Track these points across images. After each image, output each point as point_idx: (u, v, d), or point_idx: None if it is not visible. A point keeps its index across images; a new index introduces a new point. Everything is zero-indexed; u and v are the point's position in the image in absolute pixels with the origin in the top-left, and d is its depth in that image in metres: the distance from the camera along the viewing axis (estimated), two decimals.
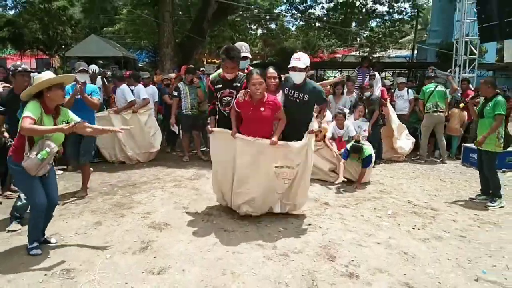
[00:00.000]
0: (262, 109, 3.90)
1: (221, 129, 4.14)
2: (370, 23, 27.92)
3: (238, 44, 4.50)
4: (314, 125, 4.11)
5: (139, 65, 26.07)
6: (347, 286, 2.88)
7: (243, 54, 4.34)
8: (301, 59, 4.03)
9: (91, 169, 5.42)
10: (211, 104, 4.34)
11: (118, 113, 6.65)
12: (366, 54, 29.39)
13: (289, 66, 4.09)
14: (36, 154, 3.14)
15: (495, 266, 3.23)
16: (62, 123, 3.26)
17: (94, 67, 7.29)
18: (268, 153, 3.87)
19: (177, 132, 7.93)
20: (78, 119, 3.41)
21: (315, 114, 4.33)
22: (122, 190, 5.29)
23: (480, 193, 5.24)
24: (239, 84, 4.16)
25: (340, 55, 33.35)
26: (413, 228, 4.06)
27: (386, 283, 2.90)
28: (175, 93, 7.17)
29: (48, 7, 26.14)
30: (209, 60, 29.62)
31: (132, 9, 21.50)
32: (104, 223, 4.06)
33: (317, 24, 28.17)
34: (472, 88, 8.78)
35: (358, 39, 30.73)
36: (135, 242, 3.58)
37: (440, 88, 7.43)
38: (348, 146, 5.74)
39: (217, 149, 4.20)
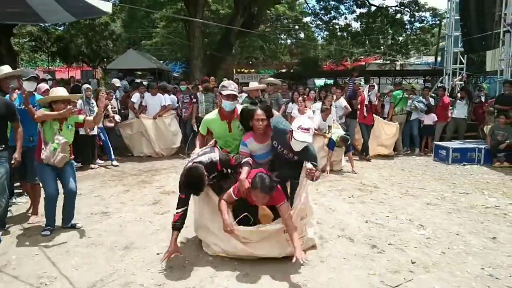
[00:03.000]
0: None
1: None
2: (392, 32, 28.89)
3: (227, 83, 3.95)
4: (308, 165, 3.57)
5: (174, 75, 27.98)
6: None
7: (229, 92, 3.76)
8: (310, 132, 3.47)
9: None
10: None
11: (155, 118, 8.55)
12: (388, 62, 30.49)
13: (294, 136, 3.43)
14: (49, 147, 3.99)
15: (387, 216, 4.72)
16: (68, 126, 4.19)
17: (86, 86, 7.78)
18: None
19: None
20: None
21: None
22: (146, 173, 7.10)
23: None
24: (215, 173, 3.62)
25: (364, 63, 34.40)
26: (349, 197, 5.58)
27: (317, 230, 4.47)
28: (194, 100, 8.96)
29: (92, 23, 28.88)
30: (238, 70, 31.29)
31: (167, 24, 23.89)
32: (131, 190, 5.87)
33: (339, 33, 29.38)
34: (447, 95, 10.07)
35: (382, 47, 31.76)
36: (150, 199, 5.36)
37: (406, 94, 8.88)
38: (334, 137, 7.16)
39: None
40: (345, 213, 4.85)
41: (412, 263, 3.46)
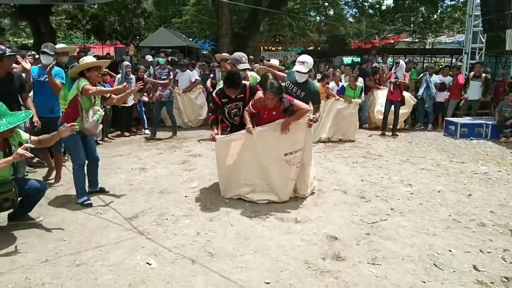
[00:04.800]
0: (274, 113, 4.18)
1: (224, 137, 4.39)
2: (423, 10, 28.49)
3: (238, 55, 4.91)
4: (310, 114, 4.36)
5: (203, 53, 28.71)
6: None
7: (242, 66, 4.78)
8: (305, 64, 4.41)
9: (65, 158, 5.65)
10: (213, 114, 4.55)
11: (185, 92, 9.44)
12: (417, 40, 30.18)
13: (293, 69, 4.62)
14: (93, 117, 4.12)
15: (382, 177, 5.45)
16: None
17: (126, 63, 8.67)
18: (279, 140, 4.14)
19: None
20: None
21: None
22: (177, 140, 8.04)
23: None
24: (243, 95, 4.38)
25: (393, 41, 34.08)
26: (353, 163, 6.31)
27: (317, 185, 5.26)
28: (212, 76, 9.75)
29: (124, 1, 29.81)
30: (266, 48, 31.61)
31: (196, 1, 24.53)
32: (163, 153, 6.81)
33: (370, 11, 29.25)
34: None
35: (412, 25, 31.38)
36: (180, 160, 6.28)
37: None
38: (345, 84, 7.96)
39: (224, 155, 4.37)
40: (345, 174, 5.61)
41: (391, 209, 4.22)
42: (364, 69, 10.21)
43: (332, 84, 8.47)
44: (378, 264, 3.02)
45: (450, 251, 3.27)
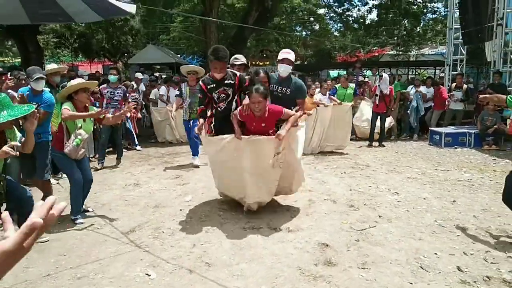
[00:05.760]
0: (263, 124, 4.15)
1: (211, 138, 4.33)
2: (406, 23, 29.24)
3: (233, 56, 5.00)
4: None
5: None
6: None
7: (239, 62, 4.85)
8: (291, 53, 4.57)
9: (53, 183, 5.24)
10: (202, 105, 4.47)
11: (177, 109, 9.46)
12: (401, 53, 30.89)
13: (279, 58, 4.62)
14: (72, 142, 4.11)
15: (370, 186, 5.64)
16: (90, 119, 4.33)
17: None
18: (267, 149, 4.03)
19: None
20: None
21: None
22: (168, 156, 8.16)
23: None
24: (232, 82, 4.29)
25: (377, 54, 34.79)
26: (342, 173, 6.50)
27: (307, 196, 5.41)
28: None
29: (112, 19, 30.05)
30: (253, 63, 31.98)
31: (184, 18, 24.89)
32: (156, 168, 6.93)
33: (354, 25, 29.90)
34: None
35: (395, 38, 32.12)
36: (172, 175, 6.40)
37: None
38: (337, 86, 8.17)
39: (213, 154, 4.39)
40: (334, 184, 5.78)
41: (379, 217, 4.39)
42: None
43: (319, 96, 8.69)
44: (367, 268, 3.17)
45: (435, 254, 3.43)
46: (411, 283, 2.95)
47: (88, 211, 4.62)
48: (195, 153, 7.07)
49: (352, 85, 9.20)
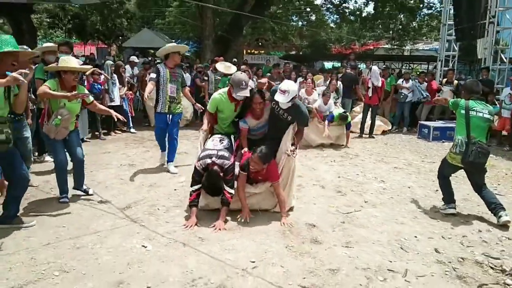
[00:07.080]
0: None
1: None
2: (401, 17, 29.36)
3: (238, 80, 4.16)
4: (289, 146, 4.11)
5: (186, 54, 28.66)
6: None
7: (241, 94, 4.16)
8: (286, 94, 3.95)
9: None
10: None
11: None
12: (395, 47, 31.10)
13: (275, 98, 4.04)
14: (52, 121, 3.92)
15: (357, 174, 5.85)
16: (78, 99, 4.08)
17: (110, 63, 9.34)
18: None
19: None
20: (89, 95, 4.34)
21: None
22: None
23: None
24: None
25: (372, 48, 34.97)
26: (331, 162, 6.70)
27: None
28: (206, 78, 10.05)
29: (107, 1, 29.76)
30: (249, 51, 31.91)
31: (180, 3, 24.75)
32: (150, 151, 7.07)
33: (350, 17, 29.94)
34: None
35: (391, 32, 32.29)
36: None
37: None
38: (335, 113, 8.08)
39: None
40: (324, 171, 5.99)
41: (365, 202, 4.61)
42: (352, 75, 10.12)
43: (319, 102, 8.18)
44: (351, 247, 3.38)
45: (415, 237, 3.66)
46: (391, 261, 3.16)
47: (88, 193, 4.52)
48: (171, 158, 5.85)
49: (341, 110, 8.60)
